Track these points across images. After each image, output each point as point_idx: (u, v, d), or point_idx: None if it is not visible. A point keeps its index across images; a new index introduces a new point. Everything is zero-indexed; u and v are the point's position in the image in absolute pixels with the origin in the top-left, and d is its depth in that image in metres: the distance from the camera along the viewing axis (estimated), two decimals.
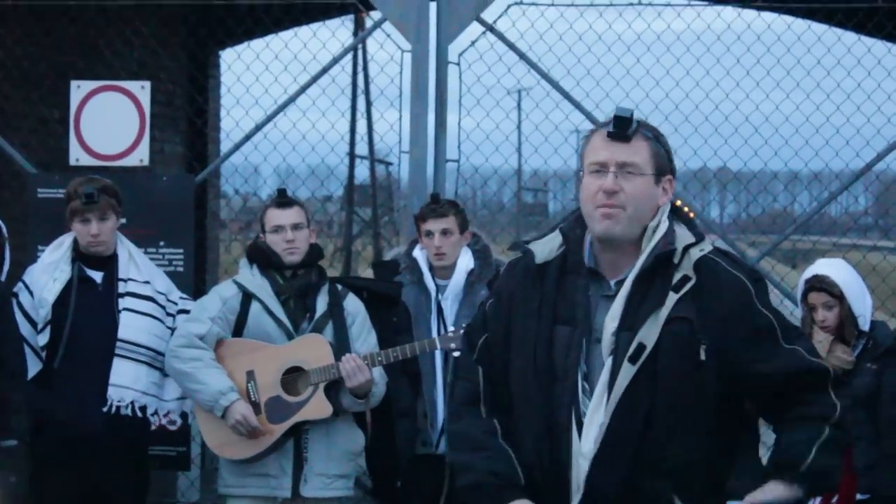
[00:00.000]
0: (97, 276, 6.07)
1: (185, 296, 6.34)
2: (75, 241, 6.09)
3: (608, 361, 3.58)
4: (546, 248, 3.75)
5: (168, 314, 6.14)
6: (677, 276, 3.60)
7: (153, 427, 6.08)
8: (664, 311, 3.56)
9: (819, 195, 9.97)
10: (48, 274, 6.01)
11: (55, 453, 5.92)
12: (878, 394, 6.01)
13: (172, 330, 6.07)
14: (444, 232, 6.30)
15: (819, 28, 9.22)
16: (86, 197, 5.98)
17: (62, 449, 5.89)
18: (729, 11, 8.96)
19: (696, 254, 3.63)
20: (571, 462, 3.58)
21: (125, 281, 6.07)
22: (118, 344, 5.94)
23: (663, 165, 3.67)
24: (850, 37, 9.01)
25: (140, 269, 6.15)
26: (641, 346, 3.55)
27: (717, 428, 3.61)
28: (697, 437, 3.57)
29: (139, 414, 5.96)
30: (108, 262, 6.10)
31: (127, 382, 5.94)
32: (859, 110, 8.78)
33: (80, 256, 6.06)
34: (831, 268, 6.18)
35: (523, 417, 3.69)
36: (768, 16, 9.22)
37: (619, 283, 3.65)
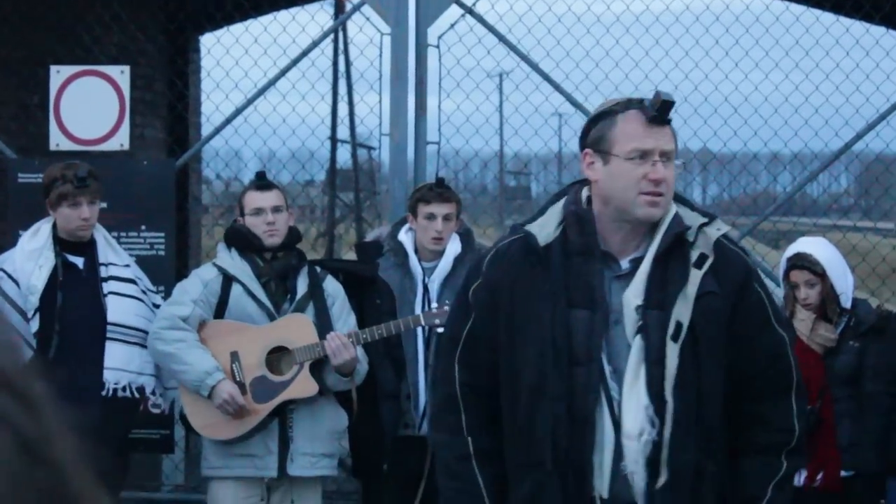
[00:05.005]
0: (78, 261, 6.04)
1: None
2: (54, 227, 6.04)
3: (636, 341, 3.56)
4: (543, 231, 3.70)
5: (145, 293, 6.14)
6: (695, 254, 3.61)
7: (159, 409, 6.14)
8: (691, 288, 3.56)
9: (800, 175, 9.98)
10: (33, 261, 5.94)
11: None
12: (861, 371, 6.05)
13: (156, 307, 6.07)
14: (447, 217, 6.26)
15: (797, 8, 9.25)
16: (78, 181, 5.93)
17: None
18: None
19: (713, 233, 3.65)
20: (595, 447, 3.56)
21: (106, 265, 6.04)
22: (108, 327, 5.92)
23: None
24: (828, 17, 9.05)
25: (118, 253, 6.15)
26: (679, 325, 3.53)
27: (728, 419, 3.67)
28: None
29: (136, 395, 5.95)
30: (88, 247, 6.07)
31: (121, 364, 5.92)
32: (838, 90, 8.80)
33: (60, 242, 6.02)
34: (813, 246, 6.21)
35: (535, 407, 3.62)
36: None
37: (632, 263, 3.65)
